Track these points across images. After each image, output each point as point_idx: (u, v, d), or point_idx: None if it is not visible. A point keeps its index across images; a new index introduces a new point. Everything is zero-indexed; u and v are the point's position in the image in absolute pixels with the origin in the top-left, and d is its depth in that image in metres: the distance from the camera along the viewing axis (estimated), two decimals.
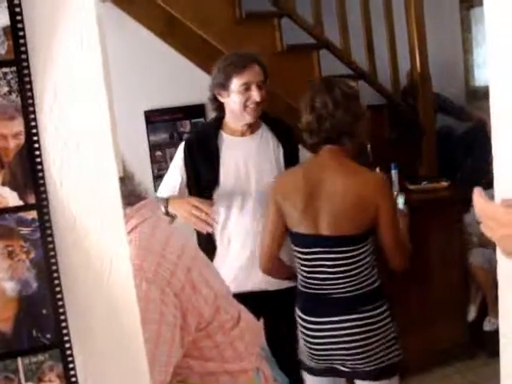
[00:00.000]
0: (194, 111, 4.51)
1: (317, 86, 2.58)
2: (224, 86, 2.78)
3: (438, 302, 4.04)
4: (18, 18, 0.88)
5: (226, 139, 2.90)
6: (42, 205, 0.93)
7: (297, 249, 2.56)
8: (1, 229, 0.92)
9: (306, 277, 2.54)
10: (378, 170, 4.14)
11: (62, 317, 0.94)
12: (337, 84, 2.54)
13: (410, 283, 3.89)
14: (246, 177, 2.87)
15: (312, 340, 2.51)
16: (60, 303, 0.93)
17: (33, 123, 0.91)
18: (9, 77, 0.90)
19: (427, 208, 4.00)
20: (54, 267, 0.93)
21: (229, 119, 2.90)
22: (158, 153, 4.46)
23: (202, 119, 4.39)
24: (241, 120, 2.86)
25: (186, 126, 4.58)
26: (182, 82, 4.35)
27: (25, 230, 0.93)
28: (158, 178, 4.20)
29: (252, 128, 2.91)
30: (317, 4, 4.09)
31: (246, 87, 2.77)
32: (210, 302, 1.49)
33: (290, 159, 2.94)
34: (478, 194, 1.19)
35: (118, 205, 0.95)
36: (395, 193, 3.69)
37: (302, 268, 2.55)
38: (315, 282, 2.51)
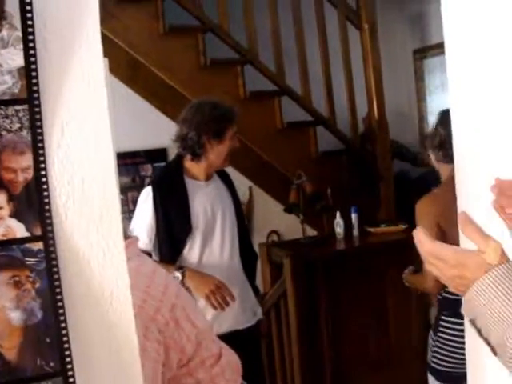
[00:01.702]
0: (155, 155, 4.57)
1: None
2: (219, 134, 2.92)
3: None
4: (32, 59, 0.94)
5: (191, 184, 2.99)
6: (47, 236, 0.96)
7: None
8: (8, 259, 0.95)
9: None
10: (338, 213, 4.26)
11: (66, 345, 0.97)
12: None
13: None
14: (213, 218, 2.99)
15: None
16: (64, 332, 0.97)
17: (41, 158, 0.96)
18: (21, 114, 0.95)
19: (385, 250, 4.11)
20: (59, 297, 0.96)
21: (191, 164, 3.00)
22: (121, 196, 4.48)
23: (163, 163, 4.44)
24: (219, 166, 3.06)
25: (147, 170, 4.63)
26: (144, 126, 4.41)
27: (31, 261, 0.96)
28: None
29: (212, 175, 3.09)
30: (278, 52, 4.23)
31: (233, 136, 3.01)
32: (193, 338, 1.52)
33: (236, 200, 3.19)
34: (421, 233, 1.15)
35: (119, 239, 1.00)
36: None
37: None
38: None
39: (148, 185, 3.06)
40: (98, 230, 0.99)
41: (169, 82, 4.01)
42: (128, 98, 4.15)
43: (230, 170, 4.43)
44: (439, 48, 4.85)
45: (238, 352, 2.69)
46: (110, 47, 4.06)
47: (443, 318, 2.69)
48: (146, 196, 2.97)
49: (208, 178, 3.06)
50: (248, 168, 4.43)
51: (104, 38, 1.01)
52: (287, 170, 4.29)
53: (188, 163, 3.00)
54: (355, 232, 4.29)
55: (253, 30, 4.16)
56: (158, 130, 4.14)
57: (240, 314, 3.01)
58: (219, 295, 2.76)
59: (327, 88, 4.41)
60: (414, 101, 5.56)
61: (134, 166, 4.59)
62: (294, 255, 3.94)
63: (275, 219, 4.63)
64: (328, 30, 4.43)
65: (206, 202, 3.00)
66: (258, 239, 4.58)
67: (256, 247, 4.49)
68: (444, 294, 2.66)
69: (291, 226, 4.49)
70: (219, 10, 4.09)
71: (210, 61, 4.04)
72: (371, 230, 4.31)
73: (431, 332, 2.79)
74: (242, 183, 4.52)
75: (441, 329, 2.69)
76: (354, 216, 4.27)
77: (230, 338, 2.83)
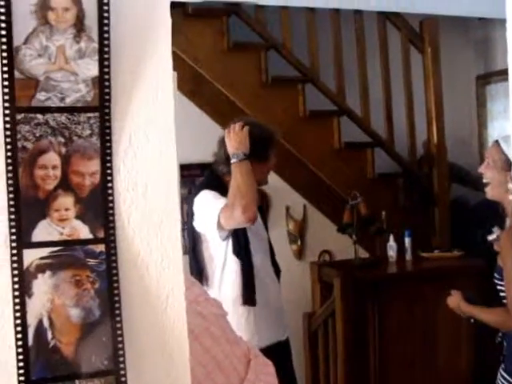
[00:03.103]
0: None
1: None
2: (265, 154, 3.01)
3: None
4: (106, 70, 0.98)
5: None
6: (109, 239, 1.01)
7: None
8: (71, 259, 0.99)
9: None
10: (391, 236, 4.23)
11: (120, 345, 1.00)
12: None
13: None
14: (253, 235, 3.02)
15: None
16: (119, 332, 1.00)
17: (108, 164, 1.00)
18: (92, 121, 0.99)
19: (438, 276, 4.05)
20: (116, 298, 1.00)
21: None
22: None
23: None
24: (262, 184, 3.18)
25: None
26: (202, 139, 4.48)
27: (92, 262, 1.00)
28: None
29: None
30: (340, 73, 4.25)
31: (275, 156, 3.09)
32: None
33: (264, 217, 3.25)
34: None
35: (178, 246, 1.03)
36: None
37: None
38: None
39: (199, 189, 3.06)
40: (157, 236, 1.02)
41: (230, 98, 4.08)
42: (188, 112, 4.23)
43: (286, 187, 4.47)
44: (503, 74, 4.79)
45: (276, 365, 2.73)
46: (174, 61, 4.14)
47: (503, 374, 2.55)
48: (213, 192, 2.98)
49: None
50: (303, 186, 4.46)
51: None
52: (343, 190, 4.29)
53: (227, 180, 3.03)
54: (408, 256, 4.25)
55: (315, 50, 4.20)
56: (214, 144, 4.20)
57: (279, 326, 3.06)
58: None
59: (387, 110, 4.41)
60: (475, 126, 5.49)
61: (189, 179, 4.66)
62: (345, 276, 3.93)
63: (328, 239, 4.62)
64: (390, 51, 4.43)
65: None
66: (310, 258, 4.58)
67: (307, 265, 4.51)
68: None
69: (344, 247, 4.47)
70: (283, 29, 4.15)
71: (271, 78, 4.10)
72: (424, 255, 4.27)
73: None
74: (296, 201, 4.55)
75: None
76: (407, 240, 4.24)
77: (272, 351, 2.91)
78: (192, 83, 4.14)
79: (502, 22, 1.55)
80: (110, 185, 1.01)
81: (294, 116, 4.16)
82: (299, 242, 4.66)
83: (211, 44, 4.05)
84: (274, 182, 4.34)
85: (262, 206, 3.34)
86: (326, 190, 4.41)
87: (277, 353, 2.98)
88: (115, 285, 1.01)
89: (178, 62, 3.98)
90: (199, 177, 4.68)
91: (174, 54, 1.07)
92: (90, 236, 1.01)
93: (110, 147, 1.01)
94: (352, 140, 4.35)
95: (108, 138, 1.00)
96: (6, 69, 0.96)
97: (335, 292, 3.93)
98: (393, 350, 4.00)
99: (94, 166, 1.00)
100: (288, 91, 4.19)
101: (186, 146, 4.36)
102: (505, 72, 1.57)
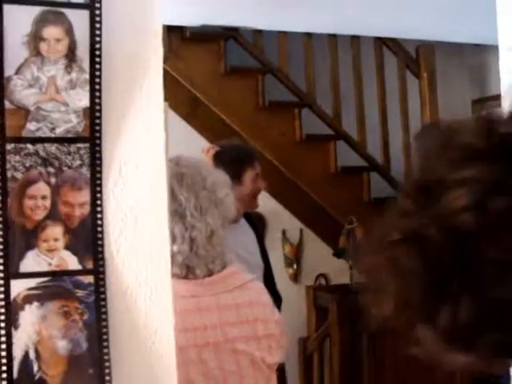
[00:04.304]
0: None
1: None
2: (238, 176, 2.94)
3: None
4: (97, 101, 0.99)
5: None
6: (98, 270, 1.00)
7: None
8: (59, 290, 0.99)
9: None
10: None
11: (108, 377, 0.99)
12: None
13: None
14: (244, 262, 3.00)
15: None
16: (107, 364, 0.99)
17: (98, 195, 1.00)
18: (82, 152, 0.99)
19: None
20: (105, 330, 0.99)
21: None
22: None
23: None
24: (245, 209, 3.00)
25: None
26: None
27: (81, 293, 1.00)
28: None
29: (239, 217, 3.07)
30: (336, 97, 4.27)
31: (255, 178, 2.98)
32: None
33: (262, 242, 3.18)
34: None
35: (167, 279, 1.02)
36: None
37: None
38: None
39: None
40: (147, 269, 1.02)
41: (227, 121, 4.08)
42: (184, 134, 4.23)
43: (282, 211, 4.47)
44: (499, 99, 4.80)
45: None
46: (171, 83, 4.17)
47: None
48: None
49: (237, 219, 3.06)
50: (300, 210, 4.45)
51: (166, 74, 1.05)
52: (339, 214, 4.29)
53: None
54: None
55: (312, 74, 4.21)
56: None
57: None
58: None
59: (383, 135, 4.42)
60: None
61: None
62: (341, 301, 3.91)
63: (324, 262, 4.60)
64: (386, 76, 4.45)
65: (233, 243, 3.02)
66: (306, 281, 4.56)
67: (303, 289, 4.49)
68: None
69: (340, 270, 4.45)
70: (280, 53, 4.17)
71: (268, 102, 4.11)
72: None
73: None
74: (293, 224, 4.54)
75: None
76: None
77: None
78: (188, 106, 4.15)
79: (497, 48, 1.55)
80: (99, 215, 1.00)
81: (290, 140, 4.17)
82: (295, 266, 4.64)
83: (208, 68, 4.06)
84: (271, 205, 4.34)
85: (259, 229, 3.28)
86: (323, 214, 4.40)
87: None
88: (103, 316, 1.00)
89: (175, 85, 3.99)
90: None
91: (170, 75, 1.06)
92: (79, 267, 1.00)
93: (100, 178, 1.00)
94: (348, 164, 4.35)
95: (98, 168, 1.00)
96: None
97: (331, 317, 3.91)
98: (388, 375, 3.97)
99: (84, 196, 1.00)
100: (285, 115, 4.20)
101: None
102: (500, 97, 1.57)
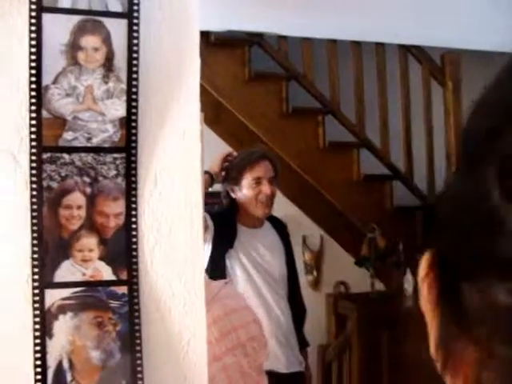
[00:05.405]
0: None
1: None
2: (236, 181, 2.91)
3: None
4: (134, 111, 0.98)
5: (240, 229, 2.97)
6: (132, 281, 0.99)
7: None
8: (93, 300, 0.98)
9: None
10: (408, 269, 4.19)
11: None
12: None
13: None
14: (262, 267, 2.97)
15: None
16: (139, 376, 0.99)
17: (133, 205, 1.00)
18: (118, 162, 0.99)
19: None
20: (138, 341, 0.99)
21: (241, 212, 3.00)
22: None
23: None
24: (252, 214, 2.98)
25: None
26: None
27: (114, 304, 0.99)
28: None
29: (260, 221, 3.04)
30: (360, 105, 4.25)
31: (257, 182, 2.91)
32: None
33: (288, 249, 3.12)
34: None
35: (201, 289, 1.02)
36: None
37: None
38: None
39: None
40: (180, 279, 1.01)
41: (250, 127, 4.08)
42: (207, 139, 4.22)
43: (303, 217, 4.45)
44: None
45: None
46: None
47: None
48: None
49: (255, 225, 3.03)
50: (321, 216, 4.44)
51: None
52: (360, 222, 4.26)
53: (238, 212, 3.02)
54: None
55: (336, 81, 4.20)
56: None
57: (280, 355, 2.96)
58: None
59: (407, 143, 4.39)
60: None
61: (210, 206, 4.64)
62: (361, 310, 3.89)
63: (344, 270, 4.58)
64: (411, 84, 4.43)
65: (252, 247, 2.99)
66: (326, 289, 4.54)
67: (323, 297, 4.47)
68: None
69: (360, 278, 4.43)
70: (304, 60, 4.16)
71: (291, 109, 4.10)
72: None
73: None
74: (313, 231, 4.53)
75: None
76: None
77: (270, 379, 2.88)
78: (212, 111, 4.15)
79: None
80: (134, 226, 1.00)
81: (313, 147, 4.15)
82: (315, 273, 4.62)
83: (232, 73, 4.06)
84: (291, 212, 4.33)
85: (285, 236, 3.21)
86: (344, 222, 4.39)
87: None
88: (137, 327, 1.00)
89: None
90: (218, 204, 4.66)
91: None
92: (113, 277, 1.00)
93: (135, 188, 1.00)
94: (371, 172, 4.33)
95: (134, 179, 0.99)
96: (34, 108, 0.96)
97: (351, 326, 3.88)
98: None
99: (119, 207, 1.00)
100: (308, 122, 4.19)
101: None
102: None
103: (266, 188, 2.91)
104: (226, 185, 2.98)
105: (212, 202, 4.58)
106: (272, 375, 2.89)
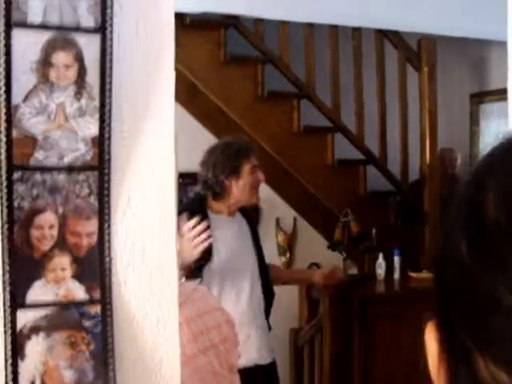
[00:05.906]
0: None
1: None
2: (235, 170, 2.95)
3: None
4: (107, 129, 0.97)
5: (214, 218, 2.99)
6: (105, 301, 0.99)
7: None
8: (66, 320, 0.98)
9: None
10: (380, 254, 4.23)
11: None
12: None
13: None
14: (235, 253, 3.00)
15: None
16: None
17: (106, 224, 0.99)
18: (90, 180, 0.98)
19: (425, 296, 4.05)
20: (111, 360, 0.99)
21: (213, 203, 3.01)
22: None
23: None
24: (246, 202, 3.05)
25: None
26: (195, 147, 4.45)
27: (87, 323, 0.99)
28: None
29: (234, 211, 3.07)
30: (336, 89, 4.24)
31: (253, 170, 2.99)
32: None
33: (256, 238, 3.15)
34: None
35: (174, 308, 1.02)
36: None
37: None
38: None
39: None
40: (154, 299, 1.01)
41: (225, 110, 4.06)
42: (182, 121, 4.19)
43: (276, 199, 4.46)
44: (498, 94, 4.81)
45: None
46: None
47: None
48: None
49: (231, 214, 3.07)
50: (294, 199, 4.45)
51: None
52: (334, 206, 4.29)
53: (210, 202, 3.03)
54: (396, 275, 4.25)
55: (312, 65, 4.18)
56: None
57: (262, 348, 3.03)
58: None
59: (381, 128, 4.40)
60: (468, 145, 5.50)
61: (182, 187, 4.62)
62: (333, 294, 3.92)
63: (317, 252, 4.60)
64: (386, 69, 4.43)
65: (229, 236, 3.03)
66: None
67: None
68: None
69: (332, 261, 4.46)
70: (280, 43, 4.13)
71: (267, 92, 4.08)
72: (413, 274, 4.27)
73: None
74: (287, 213, 4.54)
75: None
76: (396, 259, 4.24)
77: (255, 373, 2.91)
78: (187, 93, 4.11)
79: (498, 42, 1.54)
80: (107, 245, 0.99)
81: (288, 131, 4.15)
82: (288, 255, 4.64)
83: (208, 56, 4.02)
84: (265, 194, 4.33)
85: (253, 225, 3.26)
86: (317, 205, 4.40)
87: (263, 375, 3.00)
88: (110, 347, 0.99)
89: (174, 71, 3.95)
90: (193, 185, 4.64)
91: None
92: (86, 297, 0.99)
93: (108, 207, 0.99)
94: (345, 157, 4.34)
95: (107, 198, 0.99)
96: (3, 127, 0.94)
97: (323, 309, 3.92)
98: (378, 368, 4.00)
99: (92, 226, 0.99)
100: (283, 106, 4.18)
101: (180, 155, 4.33)
102: (499, 92, 1.56)
103: (261, 175, 3.04)
104: (219, 174, 2.95)
105: (182, 183, 4.57)
106: (258, 369, 2.93)
